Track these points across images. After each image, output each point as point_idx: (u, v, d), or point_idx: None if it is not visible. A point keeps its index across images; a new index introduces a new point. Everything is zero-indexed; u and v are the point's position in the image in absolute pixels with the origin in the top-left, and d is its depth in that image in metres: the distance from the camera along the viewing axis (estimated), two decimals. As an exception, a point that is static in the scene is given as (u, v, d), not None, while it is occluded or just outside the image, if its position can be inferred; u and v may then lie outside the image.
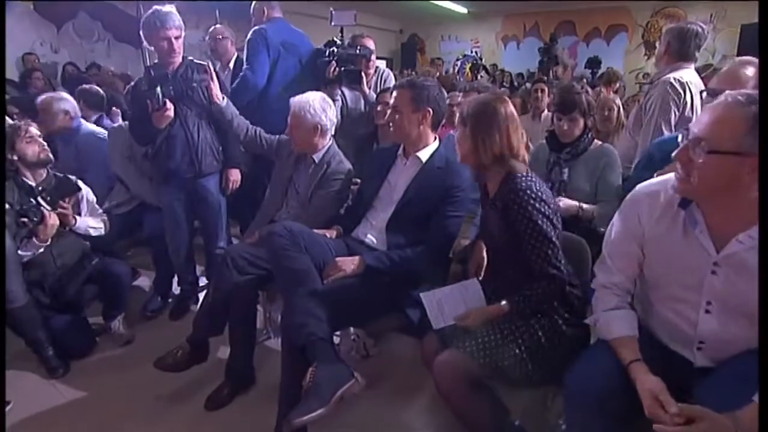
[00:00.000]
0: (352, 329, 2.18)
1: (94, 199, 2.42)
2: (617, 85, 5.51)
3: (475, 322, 1.43)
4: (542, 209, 1.37)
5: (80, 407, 1.95)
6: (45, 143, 2.21)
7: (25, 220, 2.05)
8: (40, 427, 1.85)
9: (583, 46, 10.28)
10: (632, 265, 1.28)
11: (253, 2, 2.91)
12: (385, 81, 3.22)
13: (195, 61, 2.39)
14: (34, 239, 2.09)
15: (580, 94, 2.07)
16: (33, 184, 2.16)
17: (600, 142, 2.16)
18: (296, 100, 2.11)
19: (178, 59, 2.33)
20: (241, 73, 2.73)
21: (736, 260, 1.08)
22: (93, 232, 2.33)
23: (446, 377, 1.38)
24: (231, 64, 3.25)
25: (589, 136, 2.11)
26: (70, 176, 2.30)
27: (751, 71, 1.66)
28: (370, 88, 3.03)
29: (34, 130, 2.18)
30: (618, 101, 3.32)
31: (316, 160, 2.15)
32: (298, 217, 2.04)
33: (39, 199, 2.12)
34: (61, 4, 6.19)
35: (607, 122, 3.18)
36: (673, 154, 1.09)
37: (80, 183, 2.32)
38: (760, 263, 1.05)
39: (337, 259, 1.72)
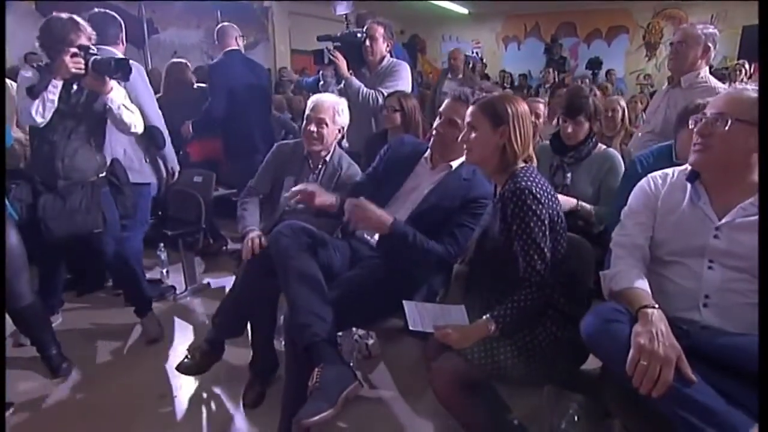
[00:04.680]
0: (354, 329, 2.19)
1: None
2: (608, 93, 5.49)
3: (455, 343, 1.37)
4: (537, 211, 1.34)
5: (83, 407, 1.95)
6: None
7: None
8: (42, 428, 1.85)
9: (584, 47, 10.28)
10: (645, 228, 1.38)
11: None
12: (391, 72, 2.80)
13: None
14: None
15: (587, 98, 2.06)
16: None
17: (604, 146, 2.16)
18: (328, 98, 2.12)
19: None
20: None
21: (736, 225, 1.21)
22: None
23: (443, 384, 1.38)
24: None
25: (593, 140, 2.10)
26: None
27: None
28: (380, 73, 2.85)
29: None
30: (622, 103, 3.28)
31: (327, 161, 2.16)
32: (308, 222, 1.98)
33: None
34: (63, 4, 6.19)
35: (610, 124, 3.16)
36: (696, 129, 1.24)
37: None
38: (760, 262, 1.13)
39: (367, 205, 1.61)
